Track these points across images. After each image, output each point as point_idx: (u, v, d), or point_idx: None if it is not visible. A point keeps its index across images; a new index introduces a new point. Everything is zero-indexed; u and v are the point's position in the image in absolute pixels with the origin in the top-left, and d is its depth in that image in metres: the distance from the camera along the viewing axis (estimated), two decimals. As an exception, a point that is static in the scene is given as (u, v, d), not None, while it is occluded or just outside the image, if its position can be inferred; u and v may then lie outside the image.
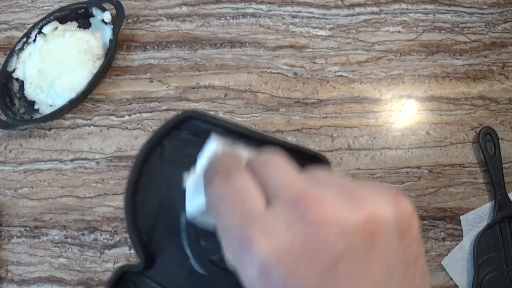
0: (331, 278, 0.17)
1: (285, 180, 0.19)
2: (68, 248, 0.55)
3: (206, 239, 0.24)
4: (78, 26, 0.63)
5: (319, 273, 0.17)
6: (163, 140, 0.25)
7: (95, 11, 0.62)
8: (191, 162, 0.23)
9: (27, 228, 0.55)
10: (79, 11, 0.63)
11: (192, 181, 0.22)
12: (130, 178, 0.25)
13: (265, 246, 0.17)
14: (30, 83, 0.60)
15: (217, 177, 0.20)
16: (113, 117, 0.59)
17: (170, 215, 0.25)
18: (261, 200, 0.19)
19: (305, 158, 0.24)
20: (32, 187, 0.57)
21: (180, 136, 0.26)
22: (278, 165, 0.20)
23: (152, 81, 0.61)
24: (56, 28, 0.62)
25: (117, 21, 0.59)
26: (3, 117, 0.58)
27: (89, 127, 0.59)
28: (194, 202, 0.22)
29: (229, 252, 0.19)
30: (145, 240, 0.25)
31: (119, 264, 0.53)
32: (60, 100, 0.58)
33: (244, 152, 0.22)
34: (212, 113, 0.59)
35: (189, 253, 0.25)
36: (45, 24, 0.62)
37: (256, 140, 0.25)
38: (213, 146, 0.22)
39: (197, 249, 0.25)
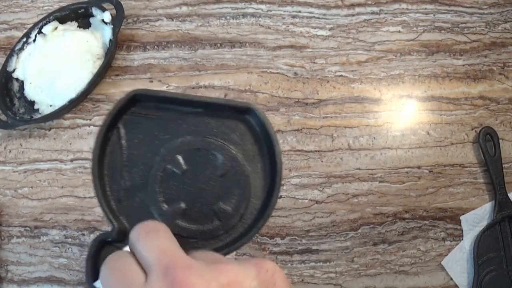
0: None
1: (158, 251, 0.21)
2: (68, 248, 0.55)
3: (170, 203, 0.27)
4: (78, 26, 0.63)
5: None
6: (117, 123, 0.28)
7: (95, 11, 0.62)
8: (146, 137, 0.28)
9: (27, 228, 0.55)
10: (79, 11, 0.63)
11: None
12: (94, 154, 0.27)
13: None
14: (30, 83, 0.60)
15: (106, 264, 0.23)
16: (113, 117, 0.59)
17: (135, 185, 0.28)
18: (140, 273, 0.21)
19: (241, 111, 0.30)
20: (32, 187, 0.57)
21: (132, 117, 0.29)
22: (152, 239, 0.22)
23: (152, 81, 0.61)
24: (56, 28, 0.62)
25: (117, 21, 0.59)
26: (3, 117, 0.58)
27: (89, 127, 0.59)
28: None
29: None
30: (115, 209, 0.27)
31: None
32: (60, 100, 0.58)
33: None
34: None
35: (156, 215, 0.27)
36: (45, 24, 0.62)
37: (196, 103, 0.29)
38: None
39: (161, 212, 0.27)
